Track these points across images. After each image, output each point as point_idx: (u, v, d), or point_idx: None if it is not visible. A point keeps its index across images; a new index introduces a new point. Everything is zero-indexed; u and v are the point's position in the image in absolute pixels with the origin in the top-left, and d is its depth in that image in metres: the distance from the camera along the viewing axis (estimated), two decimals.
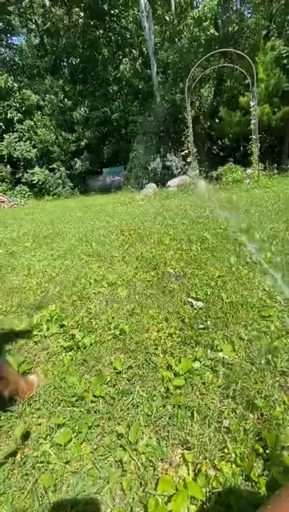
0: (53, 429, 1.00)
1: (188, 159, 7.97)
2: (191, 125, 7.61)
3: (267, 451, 0.82)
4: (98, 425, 1.00)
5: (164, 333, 1.48)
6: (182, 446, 0.89)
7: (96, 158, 13.75)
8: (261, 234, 2.90)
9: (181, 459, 0.85)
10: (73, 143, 13.11)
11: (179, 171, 11.10)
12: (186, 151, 7.75)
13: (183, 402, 1.02)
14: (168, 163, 11.37)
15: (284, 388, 1.03)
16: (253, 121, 6.76)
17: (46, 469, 0.88)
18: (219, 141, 12.27)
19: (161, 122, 11.44)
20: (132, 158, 11.36)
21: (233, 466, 0.80)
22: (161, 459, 0.86)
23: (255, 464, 0.79)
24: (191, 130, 7.65)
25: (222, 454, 0.84)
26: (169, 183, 8.98)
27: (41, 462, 0.90)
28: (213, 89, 13.39)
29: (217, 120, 11.48)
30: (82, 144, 13.11)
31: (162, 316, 1.66)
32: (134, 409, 1.04)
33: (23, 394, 1.10)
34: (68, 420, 1.01)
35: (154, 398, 1.07)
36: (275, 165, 8.49)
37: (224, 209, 4.44)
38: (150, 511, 0.72)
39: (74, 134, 13.06)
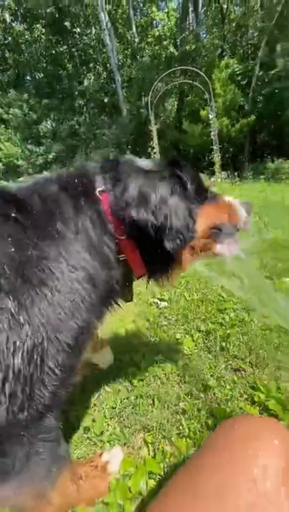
0: None
1: None
2: (156, 137, 7.95)
3: (216, 423, 0.92)
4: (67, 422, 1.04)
5: (131, 333, 1.56)
6: (144, 430, 0.97)
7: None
8: None
9: (142, 442, 0.93)
10: (41, 156, 12.98)
11: None
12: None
13: (145, 391, 1.10)
14: None
15: None
16: (213, 133, 7.24)
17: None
18: (184, 152, 12.85)
19: (128, 135, 11.78)
20: None
21: (188, 440, 0.89)
22: (125, 444, 0.93)
23: (206, 436, 0.89)
24: (156, 142, 7.98)
25: (178, 432, 0.93)
26: None
27: None
28: (176, 103, 14.11)
29: (181, 132, 12.05)
30: (51, 156, 13.03)
31: (130, 318, 1.74)
32: (100, 404, 1.10)
33: None
34: None
35: (119, 393, 1.14)
36: (236, 173, 9.08)
37: None
38: (112, 489, 0.78)
39: (41, 147, 12.96)
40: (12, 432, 0.53)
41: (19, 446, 0.55)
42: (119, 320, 1.73)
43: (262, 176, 8.61)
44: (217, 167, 7.46)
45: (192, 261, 0.79)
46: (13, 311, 0.48)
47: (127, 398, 1.10)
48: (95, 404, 1.11)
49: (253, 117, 10.02)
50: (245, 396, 1.02)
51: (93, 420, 1.03)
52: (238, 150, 11.89)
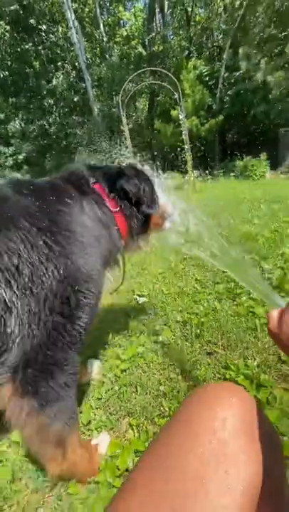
0: (8, 429, 1.06)
1: None
2: (128, 137, 8.00)
3: None
4: None
5: (113, 329, 1.63)
6: (128, 415, 1.04)
7: (39, 172, 13.33)
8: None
9: (128, 425, 1.00)
10: (10, 157, 12.52)
11: None
12: (128, 162, 8.08)
13: (128, 381, 1.18)
14: None
15: None
16: (184, 133, 7.44)
17: (5, 465, 0.94)
18: (158, 151, 13.03)
19: (100, 135, 11.71)
20: None
21: (168, 418, 0.98)
22: (111, 429, 1.00)
23: None
24: (129, 141, 8.04)
25: (159, 413, 1.01)
26: None
27: (0, 461, 0.96)
28: (147, 103, 14.24)
29: (154, 132, 12.21)
30: (21, 157, 12.61)
31: (111, 315, 1.80)
32: (86, 397, 1.16)
33: None
34: None
35: (104, 384, 1.21)
36: (207, 171, 9.40)
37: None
38: (101, 469, 0.85)
39: (11, 148, 12.49)
40: (56, 357, 0.68)
41: (62, 372, 0.70)
42: (100, 318, 1.78)
43: (232, 174, 8.99)
44: (189, 166, 7.69)
45: (154, 230, 1.11)
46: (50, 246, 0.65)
47: (112, 388, 1.17)
48: (80, 398, 1.16)
49: (221, 117, 10.41)
50: (218, 375, 1.13)
51: (80, 412, 1.09)
52: (208, 149, 12.30)
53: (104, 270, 0.86)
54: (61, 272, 0.65)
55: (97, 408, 1.10)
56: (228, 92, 10.67)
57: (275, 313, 0.61)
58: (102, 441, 0.93)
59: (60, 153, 13.58)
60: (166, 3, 13.02)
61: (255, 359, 1.17)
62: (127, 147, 7.75)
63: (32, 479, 0.89)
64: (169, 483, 0.46)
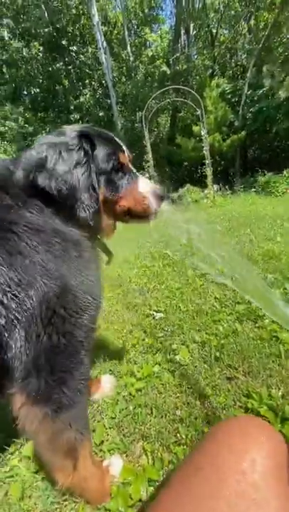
0: (21, 444, 1.04)
1: None
2: (150, 151, 8.17)
3: None
4: None
5: (128, 344, 1.60)
6: (142, 439, 1.00)
7: None
8: (215, 249, 3.21)
9: (142, 450, 0.96)
10: None
11: None
12: (148, 175, 8.25)
13: (143, 401, 1.14)
14: None
15: None
16: (205, 148, 7.50)
17: (16, 481, 0.92)
18: (178, 166, 13.19)
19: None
20: None
21: (185, 447, 0.93)
22: (124, 453, 0.96)
23: None
24: (150, 155, 8.21)
25: (175, 440, 0.97)
26: None
27: (11, 476, 0.95)
28: (169, 118, 14.58)
29: (174, 147, 12.40)
30: None
31: (126, 329, 1.78)
32: (99, 414, 1.13)
33: None
34: None
35: (118, 403, 1.17)
36: (227, 186, 9.36)
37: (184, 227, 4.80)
38: (113, 496, 0.81)
39: None
40: (65, 364, 0.68)
41: (73, 378, 0.69)
42: (116, 331, 1.77)
43: (253, 190, 8.88)
44: (209, 180, 7.70)
45: (113, 220, 0.89)
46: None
47: (126, 408, 1.13)
48: (94, 415, 1.14)
49: (243, 133, 10.43)
50: (239, 404, 1.07)
51: (93, 430, 1.06)
52: (229, 164, 12.29)
53: (81, 276, 0.70)
54: (34, 298, 0.61)
55: (110, 428, 1.06)
56: (251, 109, 10.72)
57: None
58: (115, 464, 0.89)
59: None
60: (191, 25, 13.50)
61: (279, 389, 1.10)
62: (148, 161, 7.91)
63: (41, 499, 0.87)
64: None
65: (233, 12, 12.36)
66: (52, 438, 0.70)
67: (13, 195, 0.65)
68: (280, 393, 1.06)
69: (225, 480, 0.47)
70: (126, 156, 0.87)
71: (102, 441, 1.01)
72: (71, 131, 0.75)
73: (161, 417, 1.06)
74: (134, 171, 0.90)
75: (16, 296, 0.59)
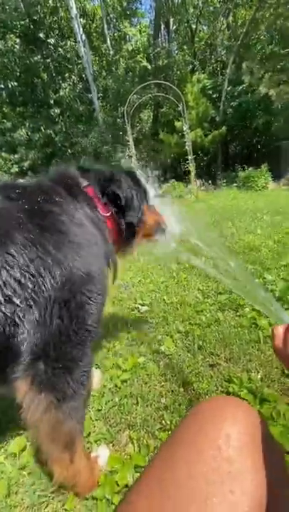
0: (6, 441, 1.03)
1: None
2: (133, 146, 8.12)
3: None
4: None
5: (114, 337, 1.61)
6: (129, 428, 1.02)
7: None
8: (199, 242, 3.26)
9: (128, 439, 0.98)
10: (16, 164, 12.71)
11: None
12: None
13: (129, 392, 1.16)
14: None
15: None
16: (187, 144, 7.55)
17: (1, 478, 0.91)
18: (160, 161, 13.20)
19: (105, 144, 11.90)
20: None
21: (169, 432, 0.95)
22: (111, 442, 0.97)
23: None
24: (133, 151, 8.16)
25: (160, 426, 0.99)
26: None
27: None
28: (152, 114, 14.52)
29: (158, 142, 12.38)
30: (26, 164, 12.79)
31: (112, 323, 1.79)
32: (86, 407, 1.14)
33: None
34: (21, 430, 1.06)
35: (104, 395, 1.18)
36: (210, 181, 9.49)
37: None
38: (100, 484, 0.82)
39: (16, 155, 12.70)
40: (72, 353, 0.69)
41: (78, 367, 0.70)
42: (101, 326, 1.77)
43: (234, 184, 9.06)
44: (192, 176, 7.77)
45: (142, 241, 1.08)
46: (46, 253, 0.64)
47: (112, 400, 1.15)
48: None
49: (224, 128, 10.56)
50: (221, 389, 1.11)
51: None
52: (212, 159, 12.44)
53: (104, 269, 0.82)
54: (58, 278, 0.64)
55: (97, 420, 1.07)
56: (231, 104, 10.87)
57: (280, 330, 0.60)
58: (102, 455, 0.91)
59: (65, 161, 13.75)
60: (171, 20, 13.44)
61: (258, 372, 1.14)
62: (131, 156, 7.87)
63: (28, 494, 0.86)
64: (172, 504, 0.44)
65: (212, 8, 12.42)
66: (54, 427, 0.70)
67: (71, 194, 0.79)
68: (259, 376, 1.11)
69: (202, 457, 0.49)
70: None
71: (89, 433, 1.02)
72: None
73: (147, 405, 1.08)
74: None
75: (35, 276, 0.60)
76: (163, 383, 1.19)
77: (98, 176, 0.90)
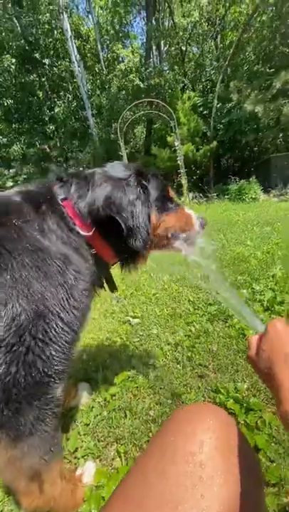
0: None
1: None
2: (126, 161, 8.32)
3: None
4: None
5: (104, 351, 1.61)
6: (116, 442, 1.02)
7: None
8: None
9: (116, 453, 0.98)
10: (11, 178, 12.85)
11: None
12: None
13: (117, 405, 1.16)
14: None
15: None
16: (178, 158, 7.76)
17: None
18: None
19: (99, 159, 12.14)
20: None
21: None
22: (98, 457, 0.97)
23: None
24: None
25: (148, 439, 0.99)
26: None
27: None
28: (145, 130, 14.93)
29: (151, 156, 12.68)
30: (21, 179, 12.95)
31: (103, 336, 1.79)
32: (74, 422, 1.14)
33: None
34: None
35: (93, 409, 1.18)
36: (202, 194, 9.70)
37: None
38: (86, 499, 0.82)
39: (11, 170, 12.87)
40: (22, 394, 0.62)
41: (30, 408, 0.64)
42: (93, 339, 1.77)
43: (226, 196, 9.26)
44: (184, 189, 7.94)
45: (150, 252, 0.93)
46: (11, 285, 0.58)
47: (100, 414, 1.15)
48: (69, 424, 1.14)
49: (215, 143, 10.90)
50: (209, 399, 1.12)
51: (67, 439, 1.06)
52: (204, 172, 12.74)
53: (76, 296, 0.70)
54: (15, 309, 0.58)
55: (85, 434, 1.07)
56: (222, 121, 11.26)
57: (254, 340, 0.63)
58: (88, 470, 0.90)
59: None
60: (162, 42, 14.10)
61: (245, 382, 1.16)
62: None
63: None
64: (144, 509, 0.45)
65: (200, 31, 13.08)
66: (11, 464, 0.67)
67: (39, 212, 0.69)
68: (245, 386, 1.12)
69: (175, 463, 0.50)
70: (172, 191, 0.94)
71: (77, 449, 1.02)
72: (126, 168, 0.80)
73: (135, 418, 1.09)
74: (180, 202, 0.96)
75: None
76: (152, 396, 1.20)
77: (79, 184, 0.75)
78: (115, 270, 0.96)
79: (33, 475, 0.70)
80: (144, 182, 0.79)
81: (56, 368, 0.66)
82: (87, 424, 1.11)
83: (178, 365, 1.37)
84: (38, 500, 0.72)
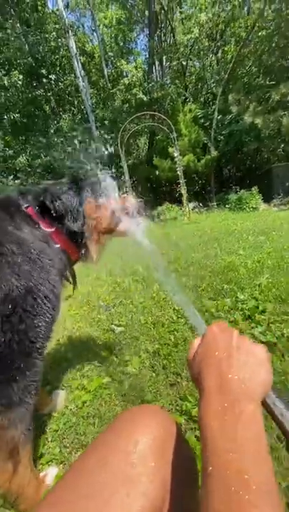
0: None
1: None
2: (127, 172, 8.48)
3: None
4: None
5: (84, 358, 1.63)
6: (82, 448, 1.03)
7: None
8: (183, 262, 3.33)
9: None
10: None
11: None
12: (124, 195, 8.48)
13: (87, 412, 1.17)
14: None
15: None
16: (178, 169, 7.89)
17: None
18: (157, 185, 13.67)
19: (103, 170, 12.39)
20: None
21: None
22: (62, 462, 0.98)
23: None
24: (127, 177, 8.50)
25: None
26: None
27: None
28: (147, 141, 15.26)
29: (152, 167, 12.90)
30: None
31: (86, 344, 1.81)
32: (43, 428, 1.15)
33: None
34: None
35: (63, 416, 1.20)
36: (202, 204, 9.78)
37: (158, 243, 4.93)
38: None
39: (17, 181, 13.21)
40: (16, 363, 0.73)
41: (22, 376, 0.75)
42: (75, 347, 1.79)
43: (227, 206, 9.32)
44: (184, 199, 8.04)
45: (101, 240, 1.04)
46: None
47: (70, 420, 1.16)
48: (38, 429, 1.15)
49: (216, 154, 11.06)
50: (177, 407, 1.13)
51: (34, 445, 1.07)
52: (205, 182, 12.87)
53: (53, 283, 0.83)
54: (9, 286, 0.71)
55: (52, 441, 1.08)
56: (223, 132, 11.45)
57: (195, 343, 0.65)
58: (50, 474, 0.91)
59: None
60: (164, 57, 14.57)
61: None
62: (124, 181, 8.19)
63: None
64: (75, 504, 0.47)
65: (201, 46, 13.49)
66: None
67: (11, 216, 0.83)
68: None
69: (109, 464, 0.52)
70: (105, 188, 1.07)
71: (43, 455, 1.03)
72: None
73: (102, 425, 1.10)
74: (117, 195, 1.09)
75: None
76: (122, 403, 1.20)
77: (35, 194, 0.92)
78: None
79: (12, 449, 0.76)
80: (77, 184, 0.98)
81: (41, 340, 0.78)
82: (56, 431, 1.12)
83: (153, 373, 1.37)
84: (10, 481, 0.77)
